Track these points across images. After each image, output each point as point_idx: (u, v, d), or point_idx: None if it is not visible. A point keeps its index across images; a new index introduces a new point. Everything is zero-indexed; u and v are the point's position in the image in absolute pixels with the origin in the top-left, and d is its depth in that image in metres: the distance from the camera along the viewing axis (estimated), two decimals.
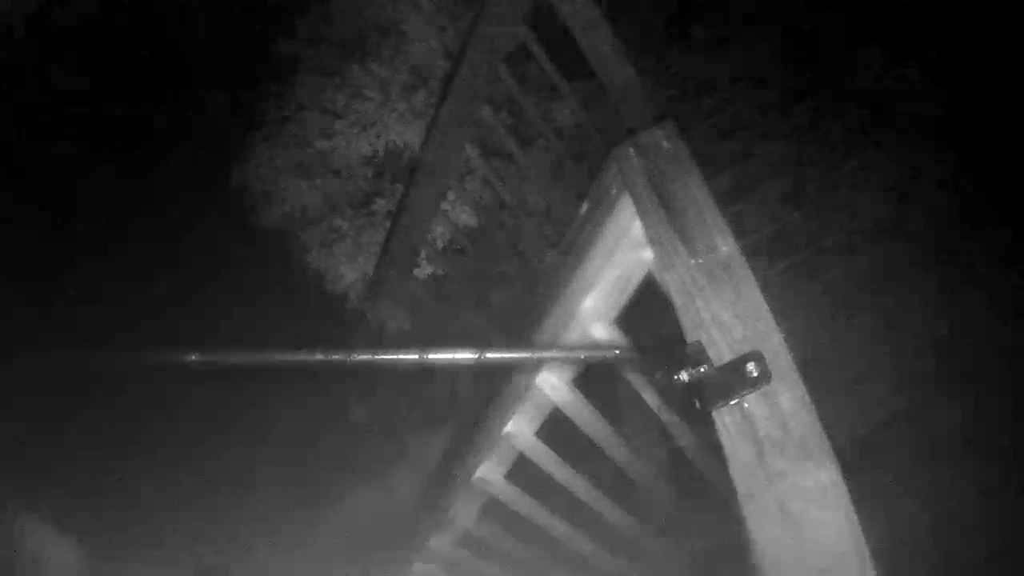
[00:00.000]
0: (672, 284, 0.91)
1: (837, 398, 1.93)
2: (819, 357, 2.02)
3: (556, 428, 1.56)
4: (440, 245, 3.42)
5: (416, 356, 0.75)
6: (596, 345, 1.26)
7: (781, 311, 0.80)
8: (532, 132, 2.98)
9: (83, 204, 4.88)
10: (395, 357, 0.76)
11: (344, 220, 3.73)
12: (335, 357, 0.73)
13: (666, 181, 1.02)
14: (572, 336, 1.27)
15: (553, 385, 1.43)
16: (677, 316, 0.89)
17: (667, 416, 1.69)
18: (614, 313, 1.28)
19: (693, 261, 0.90)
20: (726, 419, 0.76)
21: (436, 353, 0.76)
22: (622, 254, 1.15)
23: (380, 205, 3.66)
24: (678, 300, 0.89)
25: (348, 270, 3.65)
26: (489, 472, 1.62)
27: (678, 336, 0.88)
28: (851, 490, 0.66)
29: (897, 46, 2.75)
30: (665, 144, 1.08)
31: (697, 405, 0.81)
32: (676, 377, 0.83)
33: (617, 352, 1.02)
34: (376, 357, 0.76)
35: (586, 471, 1.69)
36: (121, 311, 4.43)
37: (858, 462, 1.78)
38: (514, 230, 3.22)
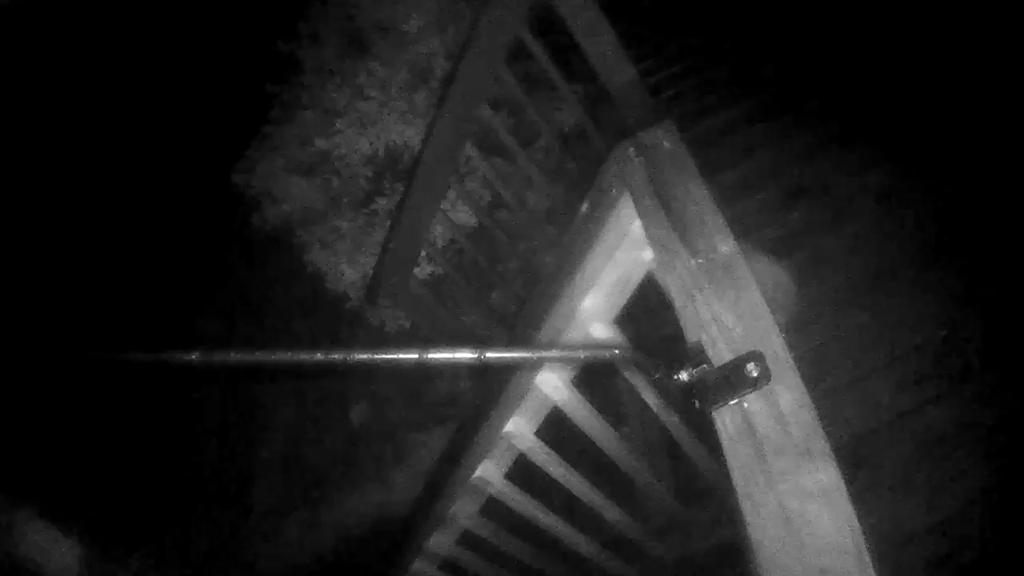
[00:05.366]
0: (672, 284, 0.91)
1: (837, 398, 1.93)
2: (819, 357, 2.03)
3: (556, 428, 1.56)
4: (440, 245, 3.42)
5: (416, 356, 0.74)
6: (596, 345, 1.26)
7: (781, 311, 0.80)
8: (532, 132, 2.98)
9: (76, 201, 4.89)
10: (395, 357, 0.76)
11: (344, 220, 3.73)
12: (335, 357, 0.73)
13: (666, 181, 1.02)
14: (572, 336, 1.27)
15: (553, 385, 1.43)
16: (677, 316, 0.89)
17: (667, 416, 1.69)
18: (614, 313, 1.28)
19: (693, 261, 0.90)
20: (726, 419, 0.76)
21: (436, 353, 0.76)
22: (622, 254, 1.14)
23: (380, 205, 3.66)
24: (678, 300, 0.89)
25: (348, 269, 3.65)
26: (489, 471, 1.61)
27: (678, 336, 0.88)
28: (851, 490, 0.66)
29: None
30: (665, 144, 1.08)
31: (697, 405, 0.81)
32: (676, 377, 0.83)
33: (617, 352, 1.02)
34: (376, 357, 0.75)
35: (585, 470, 1.69)
36: (120, 311, 4.43)
37: (858, 462, 1.78)
38: (514, 230, 3.21)
